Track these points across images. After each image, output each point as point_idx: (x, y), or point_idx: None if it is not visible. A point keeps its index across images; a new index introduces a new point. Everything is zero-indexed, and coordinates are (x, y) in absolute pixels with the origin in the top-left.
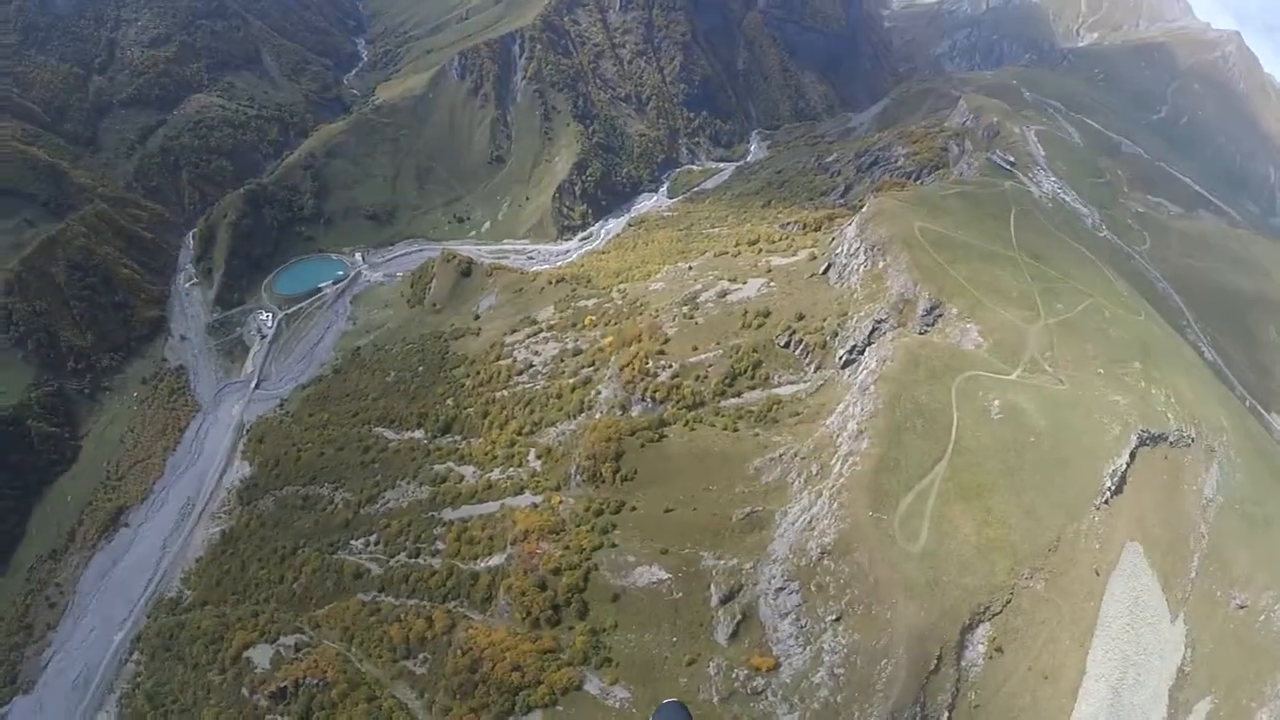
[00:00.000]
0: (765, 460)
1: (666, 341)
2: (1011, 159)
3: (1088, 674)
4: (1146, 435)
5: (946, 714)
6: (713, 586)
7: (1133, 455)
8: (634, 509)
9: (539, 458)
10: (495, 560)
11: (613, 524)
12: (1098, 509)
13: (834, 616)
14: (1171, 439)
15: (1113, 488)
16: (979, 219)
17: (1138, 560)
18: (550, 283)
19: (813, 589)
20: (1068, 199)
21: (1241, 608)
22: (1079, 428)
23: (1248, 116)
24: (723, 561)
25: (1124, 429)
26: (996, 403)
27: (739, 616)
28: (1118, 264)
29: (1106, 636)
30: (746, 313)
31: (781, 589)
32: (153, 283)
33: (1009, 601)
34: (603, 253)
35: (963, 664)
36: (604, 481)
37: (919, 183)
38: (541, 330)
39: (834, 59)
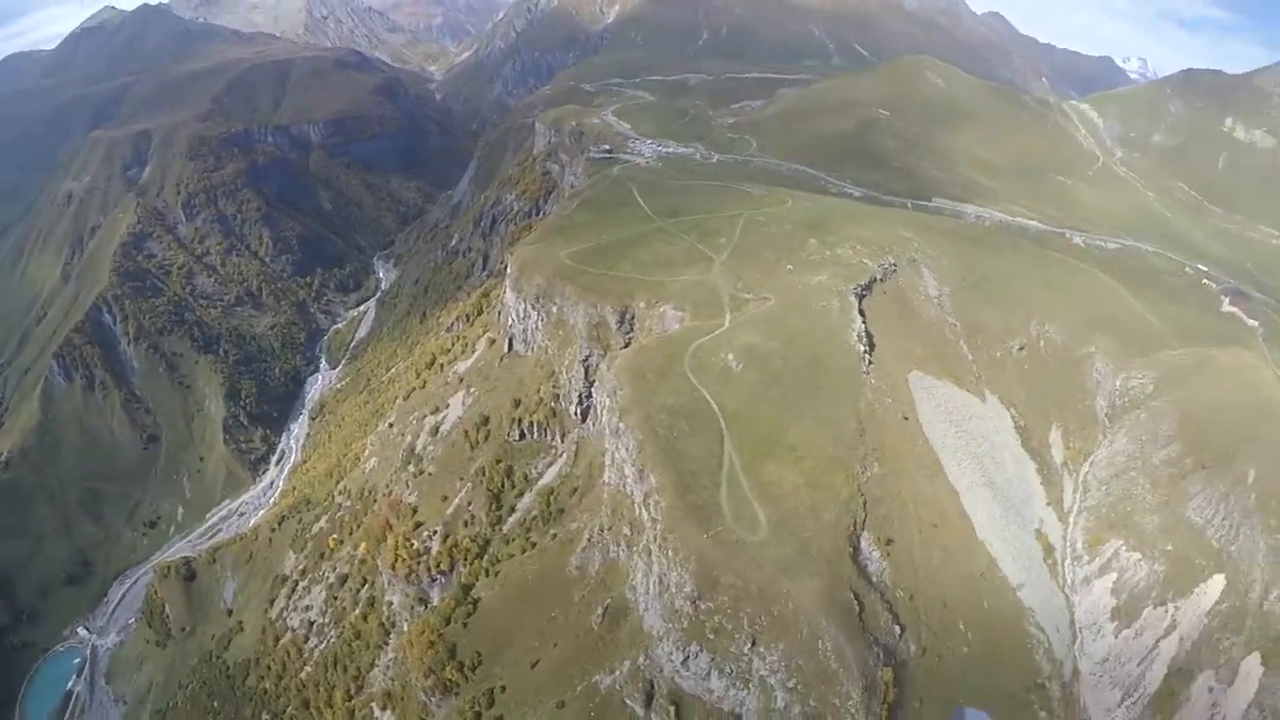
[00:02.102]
0: (579, 553)
1: (415, 510)
2: (607, 147)
3: (961, 492)
4: (859, 288)
5: (898, 630)
6: (627, 700)
7: (862, 313)
8: (504, 688)
9: (384, 708)
10: None
11: (497, 718)
12: (868, 373)
13: (749, 644)
14: (880, 276)
15: (866, 348)
16: (611, 213)
17: (924, 382)
18: (273, 529)
19: (712, 636)
20: (669, 150)
21: (1021, 349)
22: (807, 325)
23: None
24: (617, 672)
25: (840, 297)
26: (730, 356)
27: (671, 705)
28: (743, 175)
29: (950, 455)
30: (466, 433)
31: (686, 657)
32: None
33: (865, 501)
34: (304, 463)
35: (875, 581)
36: (458, 685)
37: (542, 216)
38: (296, 581)
39: (409, 152)
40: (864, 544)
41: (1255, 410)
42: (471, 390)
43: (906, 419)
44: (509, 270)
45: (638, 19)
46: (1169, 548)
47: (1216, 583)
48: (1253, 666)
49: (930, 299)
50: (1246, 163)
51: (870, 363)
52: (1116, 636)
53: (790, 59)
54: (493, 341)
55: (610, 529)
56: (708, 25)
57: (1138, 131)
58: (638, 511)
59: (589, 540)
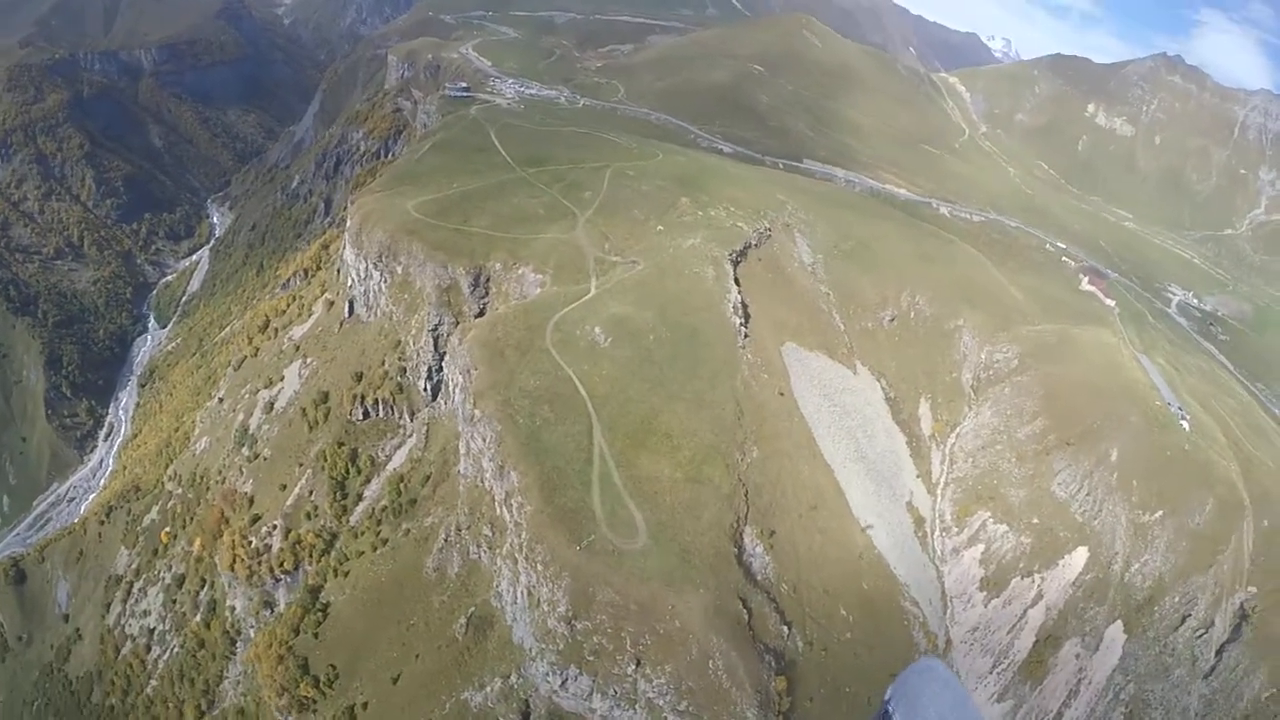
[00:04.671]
0: (436, 553)
1: (252, 501)
2: (464, 84)
3: (835, 469)
4: (734, 254)
5: (786, 630)
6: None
7: (737, 281)
8: (365, 705)
9: None
10: None
11: None
12: (744, 347)
13: (633, 665)
14: (754, 241)
15: (741, 319)
16: (466, 159)
17: (798, 354)
18: (102, 521)
19: (591, 658)
20: (533, 91)
21: (893, 320)
22: (681, 293)
23: None
24: (488, 689)
25: (715, 263)
26: (597, 329)
27: None
28: (611, 123)
29: (824, 430)
30: (304, 410)
31: (565, 680)
32: None
33: (746, 492)
34: (135, 438)
35: (760, 579)
36: (315, 703)
37: (391, 159)
38: (131, 583)
39: (250, 82)
40: (747, 540)
41: (1117, 390)
42: (309, 361)
43: (782, 395)
44: (349, 223)
45: None
46: (1035, 520)
47: (1080, 555)
48: (1116, 634)
49: (804, 266)
50: (1106, 147)
51: (746, 335)
52: (986, 606)
53: (664, 5)
54: (331, 304)
55: (469, 528)
56: None
57: (1003, 109)
58: (499, 511)
59: (446, 539)
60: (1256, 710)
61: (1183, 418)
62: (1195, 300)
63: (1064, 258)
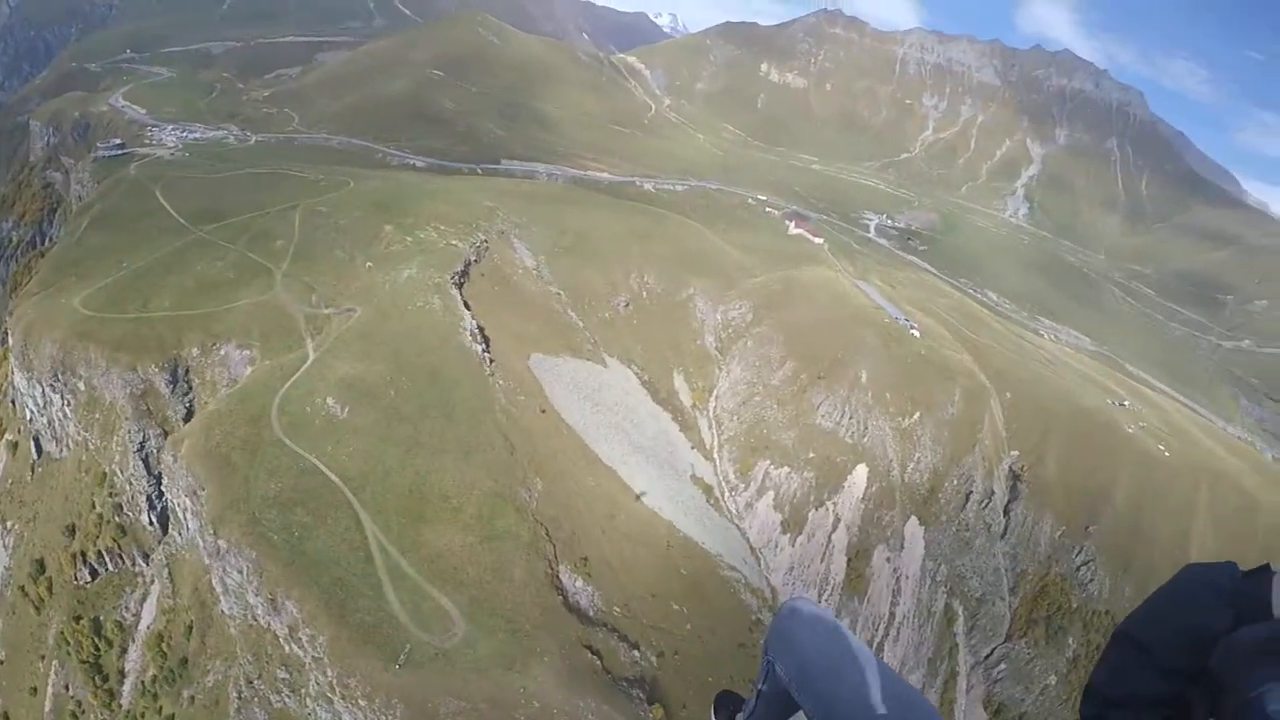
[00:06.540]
0: (235, 716)
1: (6, 718)
2: (119, 140)
3: (616, 468)
4: (456, 275)
5: (637, 652)
6: None
7: (467, 305)
8: None
9: None
10: None
11: None
12: (492, 374)
13: None
14: (474, 257)
15: (481, 344)
16: (132, 229)
17: (547, 364)
18: None
19: None
20: (197, 135)
21: (628, 305)
22: (410, 332)
23: None
24: None
25: (439, 291)
26: (329, 400)
27: None
28: (290, 156)
29: (595, 433)
30: (23, 590)
31: None
32: None
33: (546, 531)
34: None
35: (594, 615)
36: None
37: (48, 245)
38: None
39: None
40: (565, 580)
41: (848, 318)
42: (9, 525)
43: (544, 411)
44: (11, 340)
45: None
46: (811, 455)
47: (860, 472)
48: (914, 529)
49: (529, 271)
50: (783, 101)
51: (491, 360)
52: (794, 545)
53: (329, 20)
54: (15, 446)
55: (261, 677)
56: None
57: (683, 80)
58: (288, 649)
59: (239, 696)
60: (1055, 548)
61: (911, 328)
62: (890, 221)
63: (767, 209)
